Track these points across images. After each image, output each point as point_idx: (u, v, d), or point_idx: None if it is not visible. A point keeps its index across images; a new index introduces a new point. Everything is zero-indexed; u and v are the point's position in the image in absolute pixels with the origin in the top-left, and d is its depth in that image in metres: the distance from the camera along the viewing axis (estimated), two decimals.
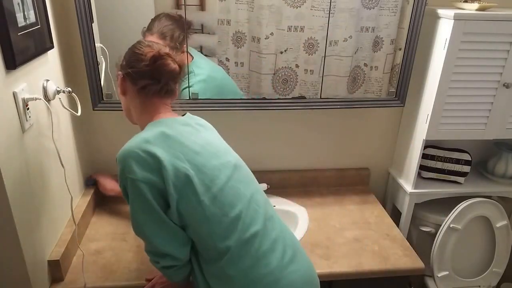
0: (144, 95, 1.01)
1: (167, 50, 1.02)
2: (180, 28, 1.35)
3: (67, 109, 1.29)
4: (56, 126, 1.24)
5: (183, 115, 1.08)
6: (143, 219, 0.94)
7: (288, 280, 0.97)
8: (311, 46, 1.44)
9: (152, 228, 0.95)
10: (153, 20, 1.34)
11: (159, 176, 0.91)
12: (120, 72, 1.04)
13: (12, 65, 0.95)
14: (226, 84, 1.47)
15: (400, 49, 1.49)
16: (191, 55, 1.41)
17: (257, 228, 0.98)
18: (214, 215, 0.94)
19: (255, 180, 1.09)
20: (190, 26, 1.36)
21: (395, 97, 1.56)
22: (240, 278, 0.96)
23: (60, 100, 1.24)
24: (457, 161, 1.66)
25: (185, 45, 1.37)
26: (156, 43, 1.05)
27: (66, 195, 1.23)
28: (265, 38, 1.41)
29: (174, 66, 1.00)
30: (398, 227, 1.55)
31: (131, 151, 0.93)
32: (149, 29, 1.34)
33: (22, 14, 1.00)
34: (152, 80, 0.99)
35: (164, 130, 0.95)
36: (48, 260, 1.17)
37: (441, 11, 1.40)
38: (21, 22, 1.00)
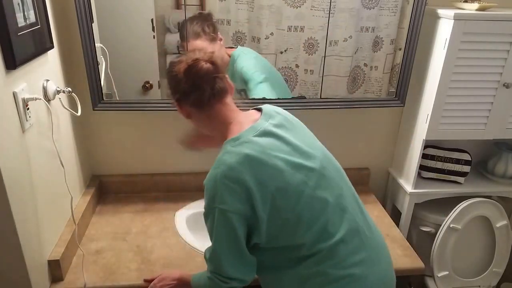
0: (202, 108, 1.00)
1: (196, 54, 1.00)
2: (204, 20, 1.36)
3: (67, 109, 1.29)
4: (56, 126, 1.24)
5: (258, 110, 1.04)
6: (224, 247, 0.96)
7: (369, 280, 0.98)
8: (311, 46, 1.44)
9: (229, 257, 0.96)
10: (180, 31, 1.36)
11: (249, 204, 0.91)
12: (174, 101, 1.04)
13: (12, 65, 0.95)
14: (274, 72, 1.48)
15: (400, 49, 1.49)
16: (233, 46, 1.44)
17: (341, 235, 0.96)
18: (299, 230, 0.94)
19: (343, 176, 1.06)
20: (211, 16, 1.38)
21: (395, 97, 1.56)
22: (323, 277, 0.96)
23: (60, 100, 1.24)
24: (457, 161, 1.66)
25: (218, 32, 1.38)
26: (187, 53, 1.03)
27: (66, 195, 1.23)
28: (265, 38, 1.41)
29: (206, 66, 0.98)
30: (398, 227, 1.55)
31: (220, 181, 0.92)
32: (182, 39, 1.37)
33: (22, 14, 1.00)
34: (197, 91, 0.98)
35: (247, 153, 0.92)
36: (48, 260, 1.17)
37: (441, 11, 1.40)
38: (21, 22, 0.99)
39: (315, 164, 0.98)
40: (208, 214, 0.95)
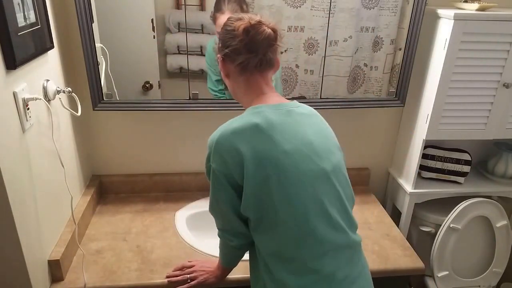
0: (245, 72, 0.97)
1: (258, 17, 0.95)
2: None
3: (67, 109, 1.29)
4: (56, 126, 1.24)
5: (290, 100, 1.02)
6: (219, 202, 0.98)
7: None
8: (311, 46, 1.44)
9: (224, 212, 0.99)
10: (216, 3, 1.34)
11: (239, 171, 0.90)
12: (219, 55, 1.00)
13: (12, 65, 0.95)
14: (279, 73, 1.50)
15: (400, 49, 1.49)
16: None
17: (328, 249, 0.92)
18: (285, 224, 0.91)
19: (348, 188, 1.00)
20: None
21: (395, 97, 1.56)
22: None
23: (60, 100, 1.24)
24: (457, 161, 1.66)
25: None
26: (248, 14, 0.99)
27: (66, 195, 1.23)
28: None
29: (268, 31, 0.93)
30: (398, 227, 1.55)
31: (219, 142, 0.91)
32: (218, 10, 1.34)
33: (22, 14, 1.00)
34: (249, 53, 0.94)
35: (258, 123, 0.90)
36: (48, 260, 1.17)
37: (441, 11, 1.40)
38: (21, 22, 0.99)
39: (326, 166, 0.94)
40: (208, 171, 0.97)
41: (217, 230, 1.08)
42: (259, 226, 0.95)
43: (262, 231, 0.95)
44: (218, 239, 1.11)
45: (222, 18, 1.33)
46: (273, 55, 0.98)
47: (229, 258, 1.14)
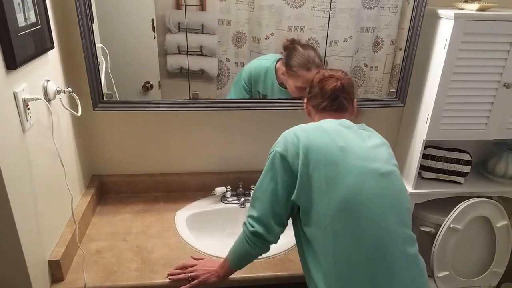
0: (318, 111, 1.17)
1: (333, 72, 1.17)
2: (315, 50, 1.45)
3: (68, 109, 1.29)
4: (56, 126, 1.24)
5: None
6: (268, 184, 1.05)
7: None
8: None
9: (264, 198, 1.06)
10: (291, 58, 1.43)
11: (295, 155, 1.02)
12: (305, 98, 1.23)
13: (12, 65, 0.95)
14: None
15: (400, 49, 1.49)
16: None
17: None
18: (322, 216, 0.98)
19: (402, 198, 1.07)
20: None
21: (395, 97, 1.56)
22: None
23: (61, 100, 1.24)
24: (457, 161, 1.66)
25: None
26: (327, 70, 1.20)
27: (66, 195, 1.23)
28: (265, 39, 1.41)
29: (335, 83, 1.13)
30: None
31: (287, 132, 1.08)
32: (287, 66, 1.45)
33: (22, 14, 1.00)
34: (322, 98, 1.15)
35: (323, 125, 1.07)
36: (48, 260, 1.17)
37: (441, 11, 1.40)
38: (21, 22, 1.00)
39: (378, 166, 1.02)
40: (269, 157, 1.08)
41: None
42: (306, 216, 1.01)
43: (309, 223, 1.01)
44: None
45: (309, 75, 1.38)
46: (347, 102, 1.15)
47: (240, 261, 1.15)
